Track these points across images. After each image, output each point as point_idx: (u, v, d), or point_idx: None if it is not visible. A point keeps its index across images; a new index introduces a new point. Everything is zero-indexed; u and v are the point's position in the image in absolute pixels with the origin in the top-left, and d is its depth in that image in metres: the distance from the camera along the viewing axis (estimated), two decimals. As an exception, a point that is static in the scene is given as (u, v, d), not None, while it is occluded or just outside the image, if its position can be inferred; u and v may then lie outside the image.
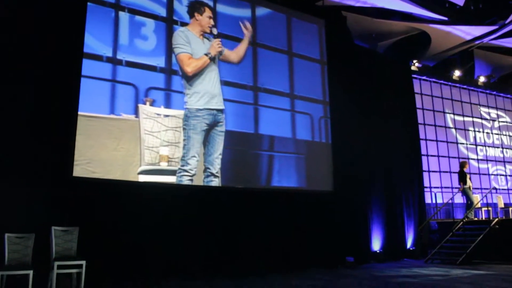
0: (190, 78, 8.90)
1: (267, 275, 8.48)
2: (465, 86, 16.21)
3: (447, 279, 8.05)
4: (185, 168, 8.51)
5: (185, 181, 8.49)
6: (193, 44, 9.02)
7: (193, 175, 8.58)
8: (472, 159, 15.62)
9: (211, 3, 9.60)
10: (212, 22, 9.32)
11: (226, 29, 9.68)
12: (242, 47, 9.86)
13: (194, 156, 8.63)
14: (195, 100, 8.84)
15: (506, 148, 17.00)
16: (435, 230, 12.54)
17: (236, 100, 9.56)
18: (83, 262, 6.45)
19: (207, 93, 8.98)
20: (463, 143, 15.67)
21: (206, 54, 9.08)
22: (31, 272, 5.99)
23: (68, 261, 6.46)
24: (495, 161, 16.47)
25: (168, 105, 8.65)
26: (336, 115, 11.09)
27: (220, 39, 9.27)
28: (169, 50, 8.88)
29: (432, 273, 8.86)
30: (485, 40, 14.28)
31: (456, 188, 13.45)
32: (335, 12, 12.01)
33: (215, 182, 8.89)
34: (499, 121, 17.10)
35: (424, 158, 13.89)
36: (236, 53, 9.73)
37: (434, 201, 13.33)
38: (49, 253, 6.61)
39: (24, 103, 7.24)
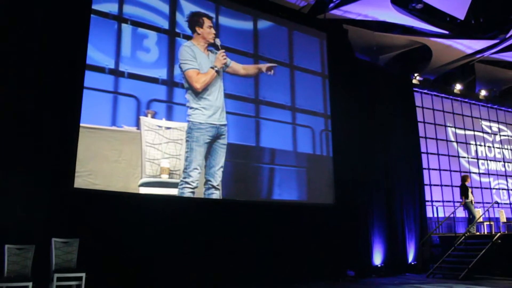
0: (196, 93, 8.93)
1: (268, 289, 8.44)
2: (466, 100, 16.20)
3: (449, 294, 7.99)
4: (187, 180, 8.49)
5: (187, 193, 8.47)
6: (199, 59, 9.06)
7: (195, 187, 8.55)
8: (473, 173, 15.58)
9: (213, 16, 9.64)
10: (213, 31, 9.38)
11: (229, 42, 9.71)
12: (253, 70, 9.92)
13: (196, 169, 8.61)
14: (199, 114, 8.86)
15: (508, 162, 16.96)
16: (436, 244, 12.46)
17: (237, 113, 9.57)
18: (83, 274, 6.44)
19: (212, 108, 9.01)
20: (465, 157, 15.64)
21: (212, 68, 9.11)
22: (30, 284, 5.97)
23: (68, 273, 6.45)
24: (497, 175, 16.41)
25: (169, 117, 8.65)
26: (337, 128, 11.09)
27: (224, 51, 9.31)
28: (171, 63, 8.91)
29: None
30: (486, 54, 14.31)
31: (458, 202, 13.41)
32: (336, 26, 12.05)
33: (216, 194, 8.86)
34: (500, 135, 17.08)
35: (425, 172, 13.85)
36: (246, 69, 9.79)
37: (435, 215, 13.26)
38: (49, 264, 6.57)
39: (26, 114, 7.24)
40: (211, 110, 9.00)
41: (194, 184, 8.55)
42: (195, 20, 9.32)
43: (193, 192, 8.53)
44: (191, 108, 8.84)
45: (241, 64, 9.80)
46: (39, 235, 6.76)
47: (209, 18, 9.52)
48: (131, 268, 7.55)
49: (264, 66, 10.06)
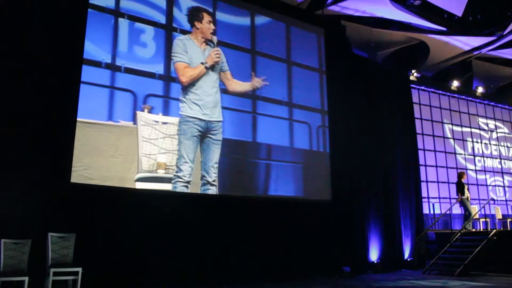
0: (185, 86, 8.90)
1: (264, 284, 8.45)
2: (463, 97, 16.25)
3: (445, 290, 8.02)
4: (178, 174, 8.47)
5: (180, 187, 8.44)
6: (191, 53, 9.02)
7: (187, 181, 8.52)
8: (470, 169, 15.63)
9: (210, 11, 9.60)
10: (212, 26, 9.36)
11: (226, 37, 9.68)
12: (241, 87, 9.75)
13: (187, 162, 8.58)
14: (187, 107, 8.80)
15: (504, 159, 17.01)
16: (433, 240, 12.51)
17: (234, 108, 9.55)
18: (79, 269, 6.43)
19: (200, 102, 8.93)
20: (461, 154, 15.69)
21: (202, 63, 9.07)
22: (26, 279, 5.97)
23: (64, 268, 6.44)
24: (493, 172, 16.48)
25: (166, 112, 8.63)
26: (334, 124, 11.08)
27: (218, 49, 9.28)
28: (168, 57, 8.88)
29: (429, 284, 8.82)
30: (483, 50, 14.35)
31: (454, 198, 13.45)
32: (334, 21, 12.05)
33: (212, 190, 8.85)
34: (497, 132, 17.13)
35: (422, 168, 13.87)
36: (232, 88, 9.58)
37: (432, 212, 13.32)
38: (45, 259, 6.57)
39: (22, 109, 7.20)
40: (199, 104, 8.91)
41: (186, 178, 8.52)
42: (194, 15, 9.29)
43: (186, 187, 8.51)
44: (182, 101, 8.81)
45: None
46: (35, 230, 6.75)
47: (209, 13, 9.49)
48: (127, 263, 7.55)
49: (257, 82, 9.94)
